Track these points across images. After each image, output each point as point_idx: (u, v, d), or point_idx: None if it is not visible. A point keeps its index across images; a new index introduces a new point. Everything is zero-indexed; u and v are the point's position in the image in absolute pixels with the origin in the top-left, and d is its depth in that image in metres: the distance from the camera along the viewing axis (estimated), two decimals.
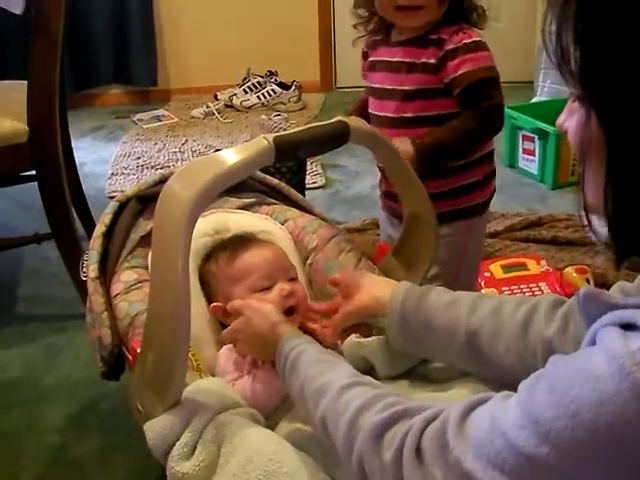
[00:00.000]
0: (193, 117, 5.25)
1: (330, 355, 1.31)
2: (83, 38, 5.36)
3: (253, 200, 1.91)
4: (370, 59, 2.08)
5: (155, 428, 1.27)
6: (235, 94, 5.42)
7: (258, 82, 5.45)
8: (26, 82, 2.60)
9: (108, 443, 2.19)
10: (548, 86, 4.59)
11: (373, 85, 2.06)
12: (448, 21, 1.93)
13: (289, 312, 1.54)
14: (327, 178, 4.14)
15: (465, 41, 1.89)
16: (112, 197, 1.83)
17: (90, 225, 3.07)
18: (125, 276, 1.67)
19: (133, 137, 4.91)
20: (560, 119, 1.00)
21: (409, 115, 1.93)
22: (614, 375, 0.81)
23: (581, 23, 0.87)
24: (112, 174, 4.28)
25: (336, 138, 1.45)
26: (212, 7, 5.57)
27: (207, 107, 5.29)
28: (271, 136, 1.32)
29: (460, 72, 1.88)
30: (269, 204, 1.93)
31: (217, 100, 5.43)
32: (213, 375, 1.52)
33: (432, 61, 1.91)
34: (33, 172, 2.68)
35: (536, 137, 3.91)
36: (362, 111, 2.07)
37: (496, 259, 2.86)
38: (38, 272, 3.17)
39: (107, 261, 1.70)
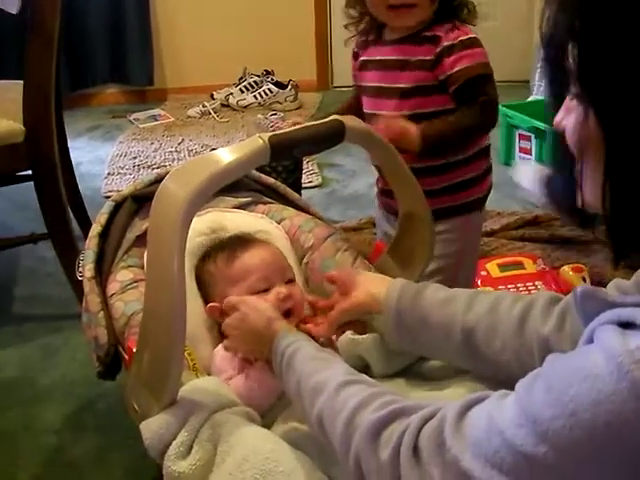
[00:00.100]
0: (189, 116, 5.25)
1: (326, 353, 1.31)
2: (79, 37, 5.36)
3: (249, 199, 1.91)
4: (361, 58, 2.08)
5: (151, 427, 1.27)
6: (231, 93, 5.42)
7: (254, 81, 5.45)
8: (22, 82, 2.60)
9: (105, 443, 2.19)
10: (544, 85, 4.59)
11: (367, 84, 2.06)
12: (440, 19, 1.94)
13: (286, 314, 1.54)
14: (323, 177, 4.14)
15: (461, 38, 1.90)
16: (108, 197, 1.83)
17: (86, 225, 3.07)
18: (121, 276, 1.67)
19: (129, 137, 4.91)
20: (558, 117, 1.00)
21: (406, 113, 1.93)
22: (612, 374, 0.80)
23: (579, 20, 0.87)
24: (108, 174, 4.28)
25: (332, 137, 1.45)
26: (208, 6, 5.57)
27: (203, 106, 5.29)
28: (266, 135, 1.32)
29: (457, 68, 1.89)
30: (265, 203, 1.93)
31: (213, 99, 5.42)
32: (209, 374, 1.52)
33: (428, 58, 1.91)
34: (29, 172, 2.68)
35: (532, 136, 3.91)
36: (351, 111, 2.06)
37: (492, 258, 2.86)
38: (34, 272, 3.16)
39: (103, 261, 1.70)
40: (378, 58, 2.02)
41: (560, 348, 1.21)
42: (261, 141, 1.31)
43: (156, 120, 5.22)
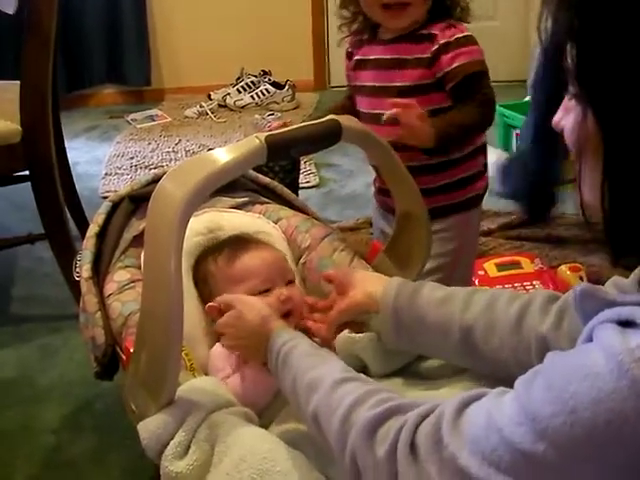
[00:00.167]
0: (187, 117, 5.25)
1: (322, 350, 1.32)
2: (76, 38, 5.36)
3: (246, 199, 1.91)
4: (356, 58, 2.08)
5: (149, 428, 1.27)
6: (229, 94, 5.41)
7: (252, 81, 5.44)
8: (19, 82, 2.60)
9: (102, 443, 2.19)
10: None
11: (363, 84, 2.06)
12: (435, 18, 1.94)
13: (285, 315, 1.54)
14: (321, 177, 4.14)
15: (457, 35, 1.90)
16: (106, 197, 1.83)
17: (84, 225, 3.07)
18: (118, 276, 1.67)
19: (127, 137, 4.91)
20: (556, 117, 1.00)
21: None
22: (612, 372, 0.80)
23: (577, 19, 0.87)
24: (106, 174, 4.27)
25: (329, 137, 1.45)
26: (205, 6, 5.57)
27: (201, 107, 5.29)
28: (263, 135, 1.32)
29: (454, 65, 1.89)
30: (262, 203, 1.93)
31: (211, 100, 5.42)
32: (206, 374, 1.52)
33: (425, 56, 1.92)
34: (26, 172, 2.68)
35: None
36: (345, 111, 2.05)
37: (490, 257, 2.86)
38: (32, 272, 3.16)
39: (100, 261, 1.70)
40: (373, 57, 2.02)
41: (558, 346, 1.21)
42: (258, 141, 1.31)
43: (153, 120, 5.22)
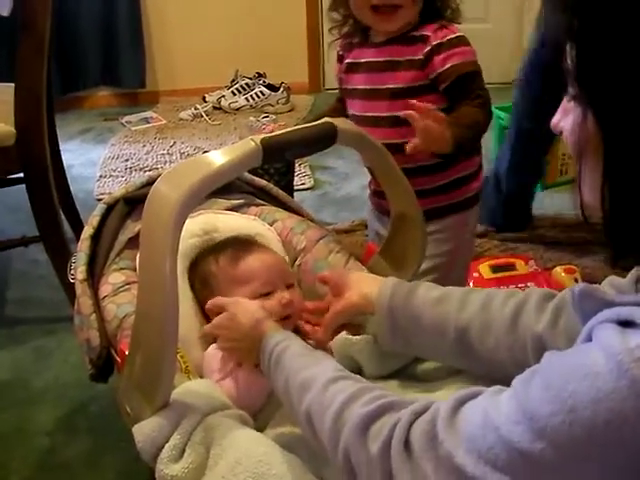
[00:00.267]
0: (181, 119, 5.25)
1: (315, 351, 1.32)
2: (71, 40, 5.35)
3: (241, 201, 1.91)
4: (347, 61, 2.08)
5: (144, 430, 1.27)
6: (223, 96, 5.41)
7: (246, 84, 5.44)
8: (13, 84, 2.59)
9: (97, 446, 2.19)
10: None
11: (355, 87, 2.06)
12: (426, 19, 1.94)
13: (284, 319, 1.54)
14: (316, 179, 4.14)
15: (449, 36, 1.90)
16: (100, 199, 1.83)
17: (78, 227, 3.05)
18: (113, 278, 1.67)
19: (121, 139, 4.90)
20: (555, 119, 1.00)
21: (398, 114, 1.93)
22: (612, 372, 0.80)
23: (577, 20, 0.87)
24: (100, 176, 4.27)
25: (324, 139, 1.45)
26: (200, 9, 5.56)
27: (195, 109, 5.29)
28: (258, 137, 1.32)
29: (447, 66, 1.89)
30: (257, 205, 1.93)
31: (205, 102, 5.42)
32: (201, 376, 1.52)
33: (417, 57, 1.92)
34: (21, 174, 2.68)
35: None
36: (337, 114, 2.03)
37: (485, 259, 2.86)
38: (26, 275, 3.16)
39: (95, 263, 1.70)
40: (365, 60, 2.02)
41: (554, 345, 1.21)
42: (253, 143, 1.31)
43: (148, 123, 5.21)
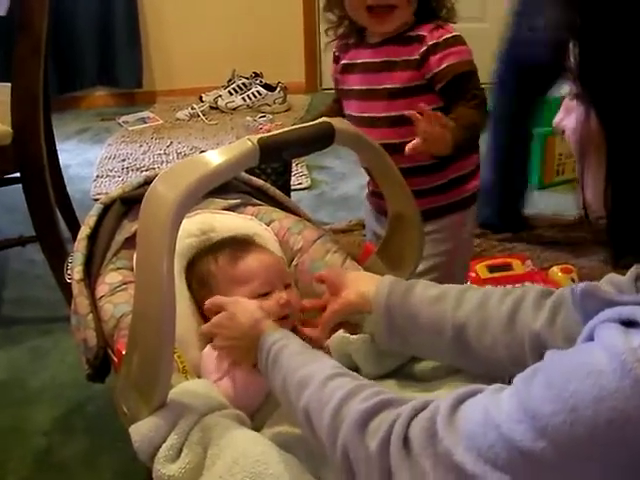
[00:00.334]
0: (178, 119, 5.25)
1: (312, 349, 1.31)
2: (68, 40, 5.35)
3: (238, 201, 1.91)
4: (343, 62, 2.08)
5: (141, 430, 1.27)
6: (220, 96, 5.41)
7: (243, 84, 5.44)
8: (10, 84, 2.59)
9: (94, 445, 2.18)
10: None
11: (351, 87, 2.06)
12: (421, 19, 1.94)
13: (282, 319, 1.54)
14: (313, 179, 4.14)
15: (445, 36, 1.90)
16: (97, 199, 1.82)
17: (75, 227, 3.06)
18: (110, 278, 1.66)
19: (118, 139, 4.90)
20: (557, 118, 1.00)
21: (396, 114, 1.93)
22: (616, 371, 0.80)
23: (580, 18, 0.87)
24: (97, 176, 4.27)
25: (321, 139, 1.45)
26: (197, 9, 5.57)
27: (192, 109, 5.29)
28: (255, 137, 1.32)
29: (443, 66, 1.89)
30: (254, 205, 1.93)
31: (202, 102, 5.42)
32: (199, 376, 1.52)
33: (413, 57, 1.92)
34: (17, 174, 2.68)
35: None
36: (333, 114, 2.03)
37: (481, 259, 2.86)
38: (23, 275, 3.16)
39: (92, 263, 1.70)
40: (361, 61, 2.02)
41: (552, 342, 1.21)
42: (250, 143, 1.31)
43: (145, 123, 5.21)
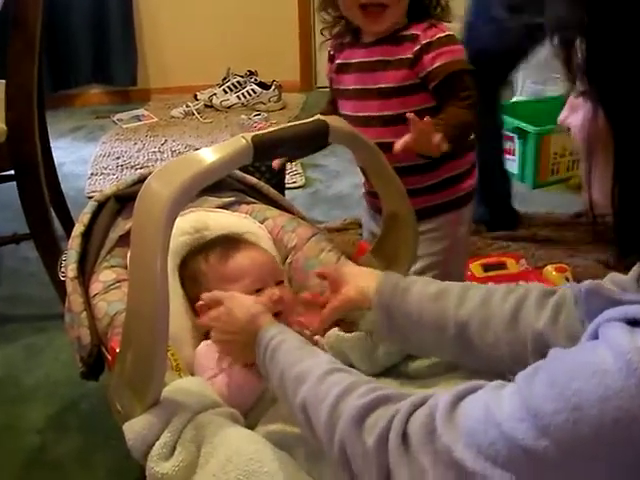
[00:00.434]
0: (173, 117, 5.24)
1: (310, 345, 1.31)
2: (62, 37, 5.34)
3: (232, 199, 1.91)
4: (338, 62, 2.07)
5: (134, 428, 1.27)
6: (215, 94, 5.41)
7: (238, 82, 5.44)
8: (4, 81, 2.59)
9: (88, 443, 2.18)
10: (527, 85, 4.60)
11: (346, 87, 2.05)
12: (415, 18, 1.94)
13: (275, 315, 1.54)
14: (307, 178, 4.14)
15: (439, 35, 1.90)
16: (92, 197, 1.82)
17: (69, 225, 3.06)
18: (104, 276, 1.67)
19: (113, 137, 4.89)
20: (562, 115, 0.99)
21: (390, 113, 1.94)
22: (621, 370, 0.79)
23: (587, 14, 0.86)
24: (92, 174, 4.26)
25: (315, 137, 1.45)
26: (191, 6, 5.56)
27: (187, 107, 5.28)
28: (249, 135, 1.32)
29: (436, 65, 1.89)
30: (248, 203, 1.93)
31: (197, 100, 5.41)
32: (192, 374, 1.52)
33: (407, 56, 1.91)
34: (11, 172, 2.67)
35: (516, 137, 3.91)
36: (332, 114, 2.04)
37: (476, 258, 2.86)
38: (17, 272, 3.15)
39: (86, 261, 1.70)
40: (356, 60, 2.01)
41: (555, 341, 1.21)
42: (244, 141, 1.31)
43: (139, 120, 5.20)
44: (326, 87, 2.25)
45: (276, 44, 5.63)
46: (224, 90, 5.42)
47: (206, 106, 5.37)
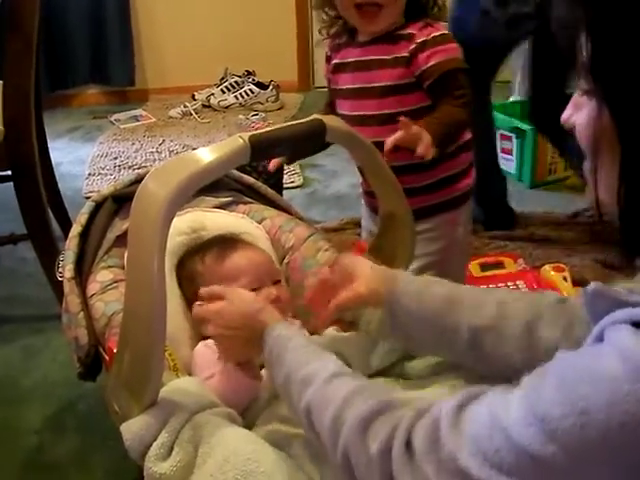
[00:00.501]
0: (171, 117, 5.24)
1: (316, 346, 1.29)
2: (60, 38, 5.34)
3: (230, 199, 1.91)
4: (335, 61, 2.08)
5: (132, 429, 1.27)
6: (213, 94, 5.41)
7: (236, 82, 5.44)
8: (1, 82, 2.59)
9: (85, 444, 2.18)
10: (525, 85, 4.60)
11: (343, 87, 2.06)
12: (411, 18, 1.94)
13: None
14: (305, 177, 4.14)
15: (434, 34, 1.91)
16: (89, 197, 1.82)
17: (67, 225, 3.05)
18: (101, 276, 1.66)
19: (110, 137, 4.89)
20: (565, 114, 0.98)
21: (386, 112, 1.94)
22: (628, 374, 0.79)
23: (592, 11, 0.86)
24: (89, 174, 4.26)
25: (312, 136, 1.45)
26: (189, 7, 5.56)
27: (185, 107, 5.28)
28: (247, 135, 1.32)
29: (431, 63, 1.89)
30: (246, 203, 1.93)
31: (195, 100, 5.41)
32: (190, 374, 1.52)
33: (403, 55, 1.91)
34: (9, 172, 2.67)
35: (514, 136, 3.91)
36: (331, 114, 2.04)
37: (474, 258, 2.86)
38: (14, 273, 3.15)
39: (83, 261, 1.70)
40: (352, 60, 2.02)
41: None
42: (241, 140, 1.31)
43: (137, 121, 5.20)
44: (324, 87, 2.24)
45: (274, 44, 5.63)
46: (222, 90, 5.42)
47: (204, 106, 5.37)
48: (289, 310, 1.62)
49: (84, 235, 1.72)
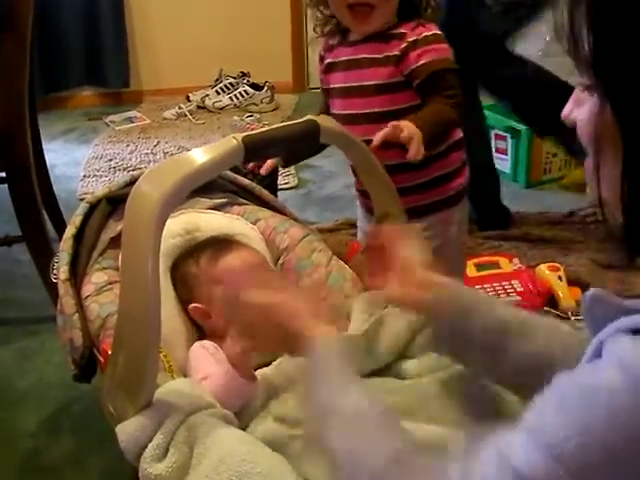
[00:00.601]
0: (165, 118, 5.23)
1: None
2: (54, 39, 5.32)
3: (224, 200, 1.91)
4: (327, 61, 2.08)
5: (127, 430, 1.27)
6: (207, 95, 5.40)
7: (230, 83, 5.44)
8: None
9: (81, 446, 2.18)
10: None
11: (335, 86, 2.06)
12: (404, 18, 1.95)
13: None
14: (299, 178, 4.13)
15: (425, 34, 1.91)
16: (84, 199, 1.82)
17: (61, 227, 3.04)
18: (96, 278, 1.66)
19: (105, 139, 4.88)
20: (566, 110, 0.96)
21: (377, 110, 1.94)
22: (629, 388, 0.77)
23: (594, 6, 0.85)
24: (84, 176, 4.26)
25: (306, 137, 1.45)
26: (184, 8, 5.56)
27: (179, 108, 5.28)
28: (240, 135, 1.32)
29: (421, 62, 1.90)
30: (240, 204, 1.93)
31: (189, 101, 5.41)
32: (185, 376, 1.52)
33: (394, 53, 1.92)
34: (3, 174, 2.66)
35: (508, 136, 3.92)
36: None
37: (469, 257, 2.86)
38: (9, 275, 3.14)
39: (78, 263, 1.69)
40: (344, 59, 2.02)
41: None
42: (235, 141, 1.31)
43: (132, 122, 5.19)
44: (319, 88, 2.24)
45: (268, 45, 5.62)
46: (216, 91, 5.42)
47: (198, 107, 5.37)
48: None
49: (79, 237, 1.72)
